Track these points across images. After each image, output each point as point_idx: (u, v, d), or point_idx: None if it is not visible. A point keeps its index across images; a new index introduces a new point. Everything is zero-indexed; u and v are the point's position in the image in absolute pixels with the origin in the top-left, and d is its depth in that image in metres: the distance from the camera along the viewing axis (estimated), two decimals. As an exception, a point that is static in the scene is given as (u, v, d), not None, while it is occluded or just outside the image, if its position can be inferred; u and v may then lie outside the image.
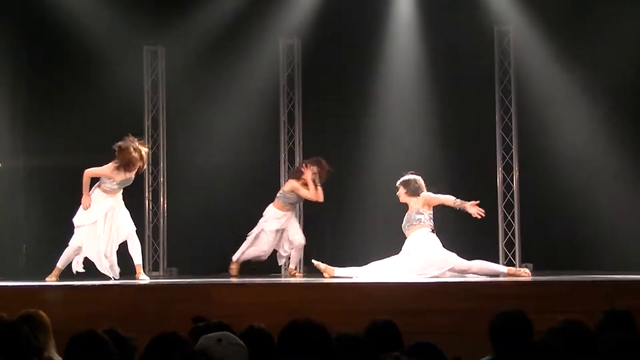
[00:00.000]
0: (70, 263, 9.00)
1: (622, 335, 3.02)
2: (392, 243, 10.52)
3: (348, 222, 11.12)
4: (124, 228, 9.00)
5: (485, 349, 4.62)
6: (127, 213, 9.08)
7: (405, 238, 9.07)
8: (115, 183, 8.94)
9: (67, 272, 9.01)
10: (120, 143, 8.90)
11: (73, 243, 8.97)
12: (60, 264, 8.94)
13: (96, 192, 9.01)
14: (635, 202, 10.14)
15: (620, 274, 9.00)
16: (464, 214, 9.35)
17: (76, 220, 8.97)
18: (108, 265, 8.91)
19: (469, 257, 9.45)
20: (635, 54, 10.22)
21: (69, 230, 9.12)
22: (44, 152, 11.18)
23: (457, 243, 9.33)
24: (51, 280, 8.75)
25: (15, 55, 11.56)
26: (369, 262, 10.49)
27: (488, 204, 9.88)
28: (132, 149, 8.89)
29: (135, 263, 9.01)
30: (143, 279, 8.94)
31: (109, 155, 10.71)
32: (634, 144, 10.26)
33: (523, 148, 10.48)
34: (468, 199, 9.10)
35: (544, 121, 10.63)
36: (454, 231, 9.89)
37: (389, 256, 9.30)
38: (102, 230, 8.92)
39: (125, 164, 8.87)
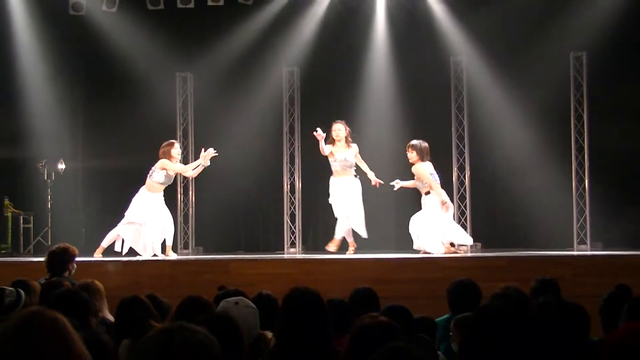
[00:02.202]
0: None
1: (550, 299, 3.04)
2: (372, 221, 10.54)
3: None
4: (165, 220, 8.98)
5: (443, 309, 4.65)
6: (166, 208, 9.05)
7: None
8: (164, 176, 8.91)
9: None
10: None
11: (121, 232, 8.87)
12: (105, 243, 8.91)
13: (145, 193, 8.90)
14: (557, 195, 10.15)
15: (548, 250, 9.05)
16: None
17: (130, 215, 8.84)
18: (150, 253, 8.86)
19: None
20: (558, 80, 10.22)
21: (118, 218, 9.10)
22: (98, 156, 11.20)
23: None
24: (97, 256, 8.73)
25: (75, 79, 11.57)
26: (354, 237, 10.59)
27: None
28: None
29: (167, 244, 8.99)
30: (172, 255, 8.93)
31: (149, 157, 10.75)
32: (557, 148, 10.26)
33: (473, 152, 10.49)
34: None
35: (489, 131, 10.64)
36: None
37: (371, 227, 9.46)
38: (151, 227, 8.83)
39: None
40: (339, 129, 9.02)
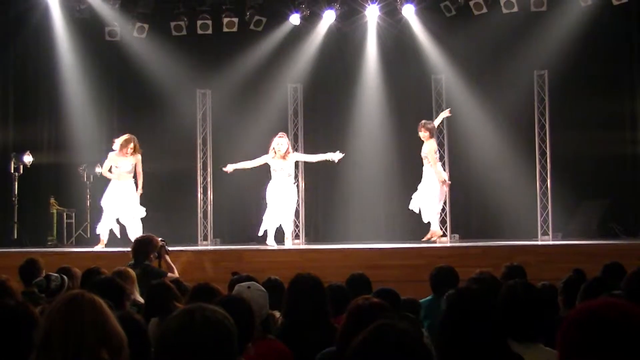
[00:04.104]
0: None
1: (518, 282, 3.04)
2: (364, 215, 10.53)
3: (334, 202, 11.15)
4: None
5: (427, 292, 4.65)
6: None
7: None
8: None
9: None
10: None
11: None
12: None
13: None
14: (524, 193, 10.13)
15: (516, 240, 9.05)
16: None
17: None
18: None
19: (411, 235, 9.48)
20: (524, 94, 10.20)
21: (147, 214, 9.10)
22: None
23: (410, 219, 9.32)
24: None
25: (111, 95, 11.58)
26: (349, 230, 10.53)
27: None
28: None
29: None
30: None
31: (173, 162, 10.76)
32: (524, 153, 10.25)
33: (452, 156, 10.47)
34: (413, 191, 9.15)
35: (466, 138, 10.64)
36: (402, 210, 9.90)
37: (364, 221, 9.33)
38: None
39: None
40: (281, 144, 8.85)
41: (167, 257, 5.63)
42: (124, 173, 8.78)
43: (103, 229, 8.81)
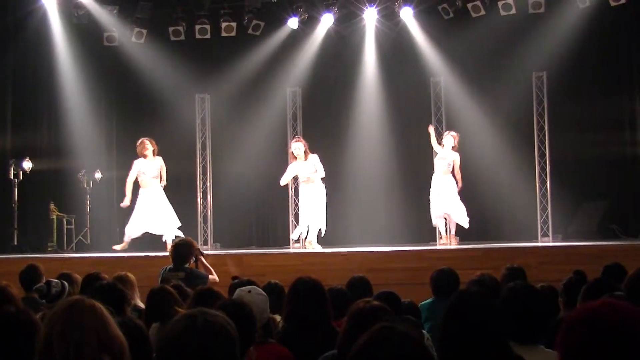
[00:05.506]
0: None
1: (518, 283, 3.04)
2: (364, 222, 10.51)
3: (334, 205, 11.08)
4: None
5: (427, 294, 4.64)
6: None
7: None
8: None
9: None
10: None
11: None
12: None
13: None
14: (523, 194, 10.14)
15: (516, 242, 9.05)
16: (413, 203, 9.36)
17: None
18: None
19: (413, 237, 9.44)
20: (523, 96, 10.20)
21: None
22: (130, 167, 11.14)
23: (410, 222, 9.30)
24: None
25: (110, 101, 11.59)
26: (350, 233, 10.51)
27: (427, 196, 9.89)
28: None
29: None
30: None
31: (173, 166, 10.69)
32: (523, 155, 10.26)
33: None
34: (413, 194, 9.17)
35: (464, 141, 10.61)
36: (402, 212, 9.89)
37: (364, 224, 9.35)
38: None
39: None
40: (299, 148, 8.81)
41: (204, 260, 5.55)
42: (149, 179, 8.83)
43: (132, 231, 8.81)
